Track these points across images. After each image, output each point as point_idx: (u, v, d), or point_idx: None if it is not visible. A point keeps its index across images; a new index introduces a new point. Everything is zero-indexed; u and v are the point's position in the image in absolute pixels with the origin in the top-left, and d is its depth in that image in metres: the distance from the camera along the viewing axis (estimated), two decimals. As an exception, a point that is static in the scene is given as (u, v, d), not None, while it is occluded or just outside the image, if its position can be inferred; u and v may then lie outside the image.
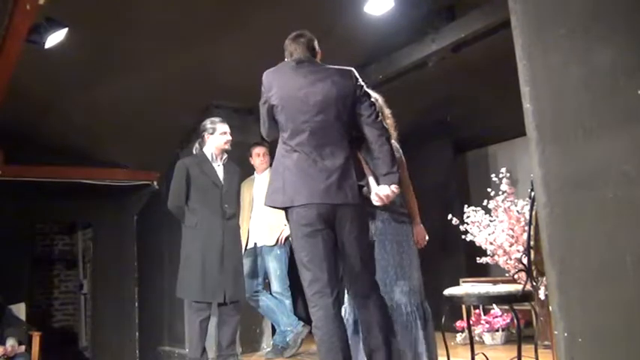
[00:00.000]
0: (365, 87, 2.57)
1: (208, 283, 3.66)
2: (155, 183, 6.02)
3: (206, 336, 3.78)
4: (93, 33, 3.89)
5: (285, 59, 2.62)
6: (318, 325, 2.37)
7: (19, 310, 4.73)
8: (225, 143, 3.90)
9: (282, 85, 2.50)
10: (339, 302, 2.45)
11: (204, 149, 3.92)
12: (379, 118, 2.54)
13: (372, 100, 2.57)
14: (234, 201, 3.96)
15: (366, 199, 2.52)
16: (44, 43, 3.55)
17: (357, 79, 2.54)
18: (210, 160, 3.89)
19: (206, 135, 3.90)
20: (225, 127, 3.92)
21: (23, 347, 4.27)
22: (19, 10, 3.20)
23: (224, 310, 3.79)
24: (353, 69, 2.58)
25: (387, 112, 2.95)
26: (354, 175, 2.45)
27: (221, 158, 3.92)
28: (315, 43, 2.63)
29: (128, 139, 5.52)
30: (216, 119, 3.98)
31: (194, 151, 3.97)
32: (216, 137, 3.88)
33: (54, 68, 4.11)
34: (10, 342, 4.20)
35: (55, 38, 3.58)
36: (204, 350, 3.76)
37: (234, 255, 3.83)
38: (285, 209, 2.47)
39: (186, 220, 3.81)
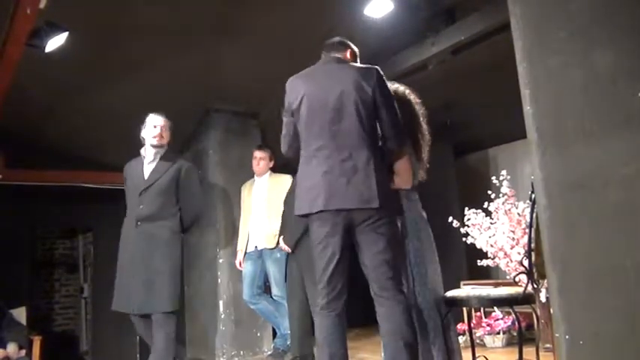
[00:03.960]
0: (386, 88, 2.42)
1: (121, 292, 3.42)
2: (155, 187, 6.01)
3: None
4: (93, 37, 3.89)
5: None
6: None
7: (20, 314, 4.73)
8: (154, 137, 3.43)
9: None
10: None
11: (142, 148, 3.52)
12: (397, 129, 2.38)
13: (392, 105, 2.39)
14: (160, 200, 3.39)
15: None
16: (45, 47, 3.54)
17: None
18: (143, 158, 3.48)
19: (142, 130, 3.50)
20: (157, 120, 3.46)
21: (24, 351, 4.27)
22: (20, 14, 3.20)
23: (154, 320, 3.32)
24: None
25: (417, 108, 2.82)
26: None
27: (157, 154, 3.46)
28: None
29: (128, 143, 5.51)
30: (155, 113, 3.50)
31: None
32: (147, 131, 3.47)
33: (54, 72, 4.11)
34: (11, 346, 4.20)
35: (55, 42, 3.58)
36: None
37: (150, 263, 3.31)
38: None
39: None
